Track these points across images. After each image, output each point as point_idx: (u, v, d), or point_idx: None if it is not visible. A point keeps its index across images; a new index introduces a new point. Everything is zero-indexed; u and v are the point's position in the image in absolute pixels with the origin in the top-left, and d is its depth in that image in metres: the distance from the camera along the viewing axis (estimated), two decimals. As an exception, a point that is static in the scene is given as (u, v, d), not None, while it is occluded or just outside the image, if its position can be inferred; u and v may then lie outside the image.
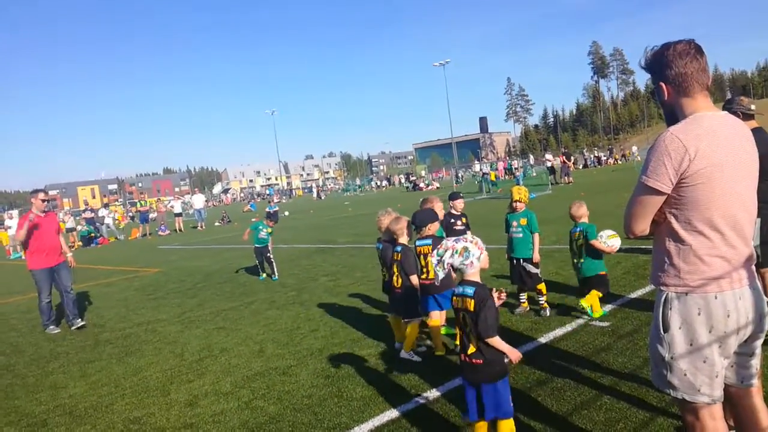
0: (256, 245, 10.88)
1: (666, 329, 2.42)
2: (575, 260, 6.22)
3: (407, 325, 5.38)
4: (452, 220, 7.11)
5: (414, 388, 4.58)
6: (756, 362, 2.54)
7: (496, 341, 3.24)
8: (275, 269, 10.85)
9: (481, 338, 3.24)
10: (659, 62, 2.42)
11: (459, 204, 7.35)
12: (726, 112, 2.47)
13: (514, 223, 6.41)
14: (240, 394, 4.93)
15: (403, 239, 5.55)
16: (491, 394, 3.21)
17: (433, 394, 4.43)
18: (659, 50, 2.44)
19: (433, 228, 5.58)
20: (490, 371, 3.24)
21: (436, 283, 3.44)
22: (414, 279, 5.39)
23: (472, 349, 3.26)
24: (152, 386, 5.44)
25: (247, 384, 5.17)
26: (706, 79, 2.38)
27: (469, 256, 3.31)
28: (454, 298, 3.40)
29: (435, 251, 3.41)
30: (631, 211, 2.47)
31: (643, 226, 2.45)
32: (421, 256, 5.45)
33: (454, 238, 3.40)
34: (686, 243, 2.36)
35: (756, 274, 2.50)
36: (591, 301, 5.74)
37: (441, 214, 6.22)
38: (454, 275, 4.67)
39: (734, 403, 2.59)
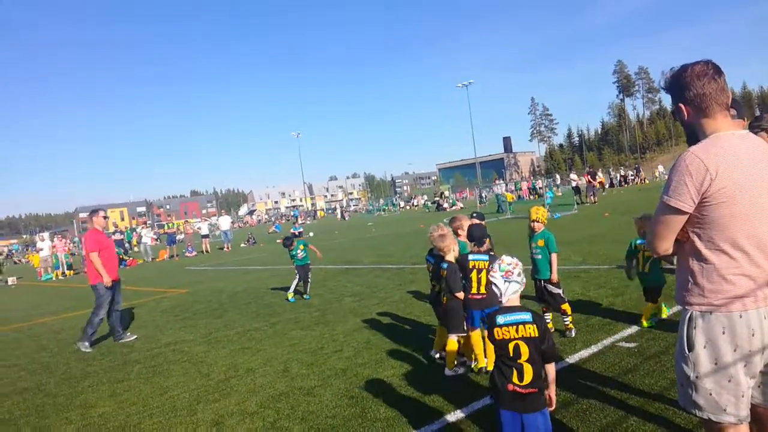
0: (297, 265, 11.01)
1: (691, 348, 2.42)
2: (639, 270, 6.49)
3: (449, 337, 5.42)
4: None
5: (438, 410, 4.57)
6: None
7: (554, 367, 3.19)
8: (308, 288, 10.99)
9: (543, 365, 3.10)
10: (678, 84, 2.45)
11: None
12: (747, 131, 2.49)
13: (533, 245, 6.39)
14: (265, 414, 4.97)
15: (450, 256, 5.53)
16: (542, 423, 3.07)
17: (457, 415, 4.41)
18: (678, 72, 2.48)
19: (487, 243, 5.64)
20: (542, 399, 3.12)
21: (501, 299, 3.17)
22: (460, 295, 5.40)
23: (528, 379, 3.05)
24: (179, 406, 5.51)
25: (272, 404, 5.21)
26: (725, 99, 2.40)
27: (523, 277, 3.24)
28: (502, 329, 3.08)
29: (497, 265, 3.22)
30: (655, 231, 2.48)
31: (666, 246, 2.47)
32: (475, 271, 5.40)
33: (509, 257, 3.26)
34: (710, 262, 2.36)
35: None
36: (658, 307, 6.23)
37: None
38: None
39: (761, 423, 2.56)
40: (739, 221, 2.30)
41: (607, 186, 47.37)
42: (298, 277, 10.97)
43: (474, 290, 5.39)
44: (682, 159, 2.35)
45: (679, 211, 2.36)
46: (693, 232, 2.40)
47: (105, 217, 9.38)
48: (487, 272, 5.07)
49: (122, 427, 5.12)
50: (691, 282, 2.43)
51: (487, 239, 5.81)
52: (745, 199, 2.30)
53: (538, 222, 6.37)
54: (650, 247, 2.54)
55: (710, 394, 2.39)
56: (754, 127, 4.83)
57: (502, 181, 40.87)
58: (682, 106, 2.46)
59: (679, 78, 2.44)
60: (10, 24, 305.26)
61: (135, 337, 9.09)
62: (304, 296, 10.84)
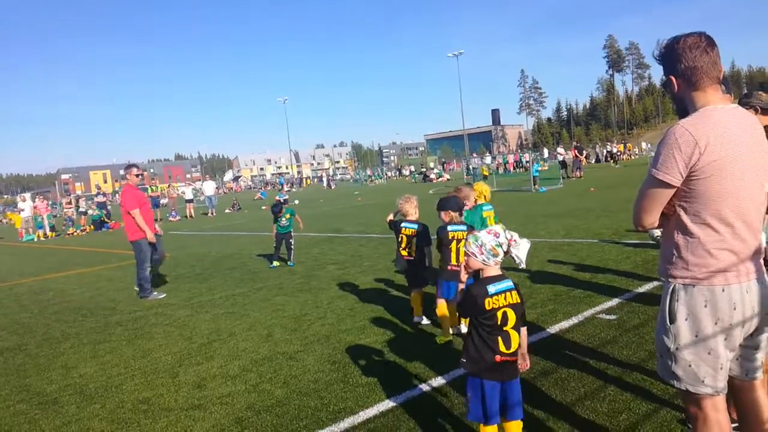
0: (279, 232, 10.97)
1: (672, 320, 2.43)
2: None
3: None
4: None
5: (419, 376, 4.62)
6: (761, 355, 2.54)
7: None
8: (292, 256, 10.99)
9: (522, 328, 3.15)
10: (670, 55, 2.42)
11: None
12: (737, 105, 2.48)
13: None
14: (247, 378, 4.99)
15: (414, 217, 6.18)
16: (519, 388, 3.11)
17: (438, 381, 4.47)
18: (670, 43, 2.44)
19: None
20: (517, 366, 3.16)
21: (522, 265, 3.09)
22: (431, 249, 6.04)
23: (515, 345, 3.07)
24: (161, 368, 5.51)
25: (254, 367, 5.23)
26: (716, 73, 2.37)
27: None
28: (493, 298, 3.03)
29: (503, 233, 3.10)
30: (641, 204, 2.47)
31: (652, 219, 2.46)
32: (454, 241, 5.42)
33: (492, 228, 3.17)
34: (695, 236, 2.36)
35: (765, 268, 2.49)
36: None
37: (472, 203, 6.19)
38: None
39: (738, 396, 2.60)
40: (725, 195, 2.29)
41: (593, 161, 47.40)
42: (276, 243, 10.97)
43: (453, 261, 5.39)
44: (672, 132, 2.32)
45: (667, 185, 2.34)
46: (679, 206, 2.39)
47: (137, 175, 9.29)
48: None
49: (104, 388, 5.12)
50: (676, 255, 2.43)
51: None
52: (733, 174, 2.29)
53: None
54: (636, 220, 2.52)
55: (689, 366, 2.41)
56: (744, 103, 4.82)
57: (477, 156, 40.89)
58: (673, 78, 2.43)
59: (671, 49, 2.41)
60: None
61: (164, 295, 9.06)
62: (288, 263, 10.84)
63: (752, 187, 2.36)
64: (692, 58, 2.34)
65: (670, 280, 2.46)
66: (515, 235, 3.10)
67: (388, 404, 4.16)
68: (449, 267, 5.41)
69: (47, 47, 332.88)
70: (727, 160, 2.27)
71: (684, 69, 2.37)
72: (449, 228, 5.47)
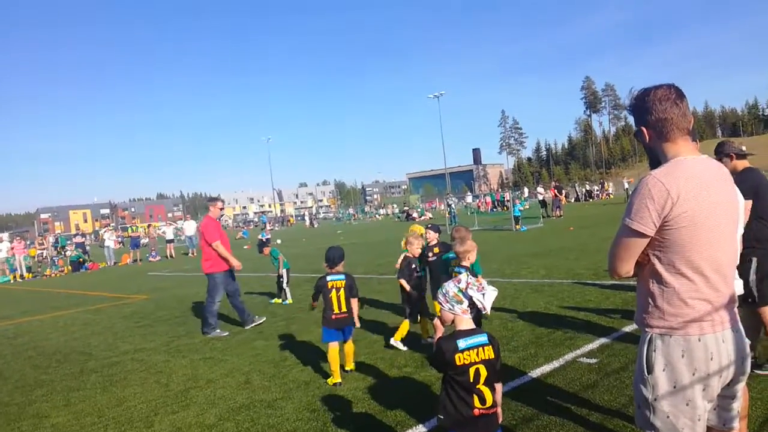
0: (286, 269, 11.49)
1: (650, 371, 2.42)
2: None
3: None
4: (428, 252, 7.22)
5: (400, 425, 4.54)
6: (737, 405, 2.54)
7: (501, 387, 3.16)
8: (288, 294, 11.40)
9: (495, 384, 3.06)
10: (640, 107, 2.45)
11: (433, 236, 7.37)
12: (707, 156, 2.51)
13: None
14: (225, 427, 4.88)
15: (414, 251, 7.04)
16: None
17: (419, 430, 4.40)
18: (640, 95, 2.48)
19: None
20: (497, 416, 3.08)
21: (486, 312, 3.03)
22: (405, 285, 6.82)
23: (489, 401, 2.98)
24: (136, 417, 5.37)
25: (231, 416, 5.12)
26: (686, 124, 2.41)
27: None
28: (464, 353, 2.94)
29: (464, 280, 3.04)
30: (615, 253, 2.47)
31: (627, 268, 2.47)
32: (333, 290, 5.84)
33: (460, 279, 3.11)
34: (670, 285, 2.37)
35: (737, 316, 2.50)
36: None
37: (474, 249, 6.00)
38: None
39: None
40: (699, 245, 2.31)
41: (572, 200, 47.86)
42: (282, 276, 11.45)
43: (336, 310, 5.81)
44: (644, 183, 2.35)
45: (640, 234, 2.35)
46: (654, 255, 2.40)
47: (221, 208, 9.46)
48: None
49: (75, 439, 4.97)
50: (651, 304, 2.43)
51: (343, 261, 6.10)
52: (707, 224, 2.31)
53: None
54: (611, 269, 2.52)
55: (668, 417, 2.40)
56: (719, 152, 4.96)
57: (451, 195, 41.36)
58: (644, 129, 2.47)
59: (642, 101, 2.44)
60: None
61: (263, 319, 9.24)
62: (284, 302, 11.23)
63: (725, 237, 2.38)
64: (662, 110, 2.38)
65: (646, 329, 2.46)
66: (483, 282, 3.06)
67: (368, 454, 4.08)
68: (333, 316, 5.84)
69: (26, 83, 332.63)
70: (699, 210, 2.30)
71: (654, 121, 2.41)
72: (328, 278, 5.90)
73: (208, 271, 9.00)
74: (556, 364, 5.62)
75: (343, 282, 5.88)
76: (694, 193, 2.30)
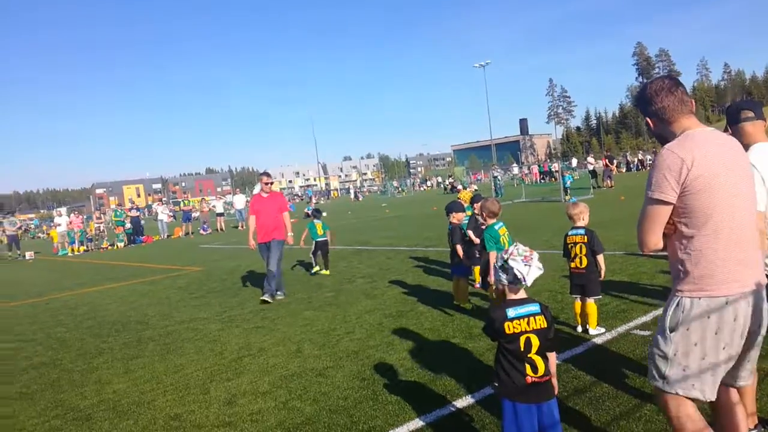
0: (316, 240, 11.74)
1: (673, 329, 2.55)
2: None
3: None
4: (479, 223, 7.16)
5: (449, 394, 4.56)
6: (751, 365, 2.68)
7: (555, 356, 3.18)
8: (328, 264, 11.66)
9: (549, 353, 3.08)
10: (642, 100, 2.71)
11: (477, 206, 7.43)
12: (713, 128, 2.65)
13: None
14: (277, 394, 5.00)
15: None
16: (557, 409, 3.03)
17: (467, 401, 4.40)
18: (640, 90, 2.76)
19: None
20: (552, 385, 3.09)
21: (525, 283, 3.02)
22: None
23: (542, 370, 2.99)
24: (192, 384, 5.56)
25: (284, 384, 5.24)
26: (685, 107, 2.61)
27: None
28: (513, 322, 2.98)
29: (515, 249, 3.08)
30: (643, 227, 2.62)
31: (655, 239, 2.60)
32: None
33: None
34: (695, 249, 2.51)
35: (765, 278, 2.61)
36: None
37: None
38: None
39: (720, 401, 2.68)
40: (719, 209, 2.45)
41: (623, 170, 46.47)
42: (314, 250, 11.79)
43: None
44: (660, 156, 2.53)
45: (663, 203, 2.51)
46: (679, 223, 2.53)
47: (266, 183, 9.67)
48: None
49: (136, 404, 5.18)
50: (682, 270, 2.56)
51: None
52: (723, 187, 2.45)
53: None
54: (640, 243, 2.63)
55: (684, 371, 2.52)
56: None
57: (496, 167, 40.84)
58: (648, 119, 2.72)
59: (642, 95, 2.71)
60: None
61: (281, 296, 9.42)
62: (322, 271, 11.53)
63: (743, 199, 2.52)
64: (659, 99, 2.62)
65: (677, 293, 2.58)
66: (534, 255, 3.05)
67: (417, 423, 4.11)
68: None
69: (82, 66, 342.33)
70: (714, 176, 2.44)
71: (655, 110, 2.65)
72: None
73: (280, 238, 9.43)
74: (608, 336, 5.52)
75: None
76: (707, 159, 2.47)
